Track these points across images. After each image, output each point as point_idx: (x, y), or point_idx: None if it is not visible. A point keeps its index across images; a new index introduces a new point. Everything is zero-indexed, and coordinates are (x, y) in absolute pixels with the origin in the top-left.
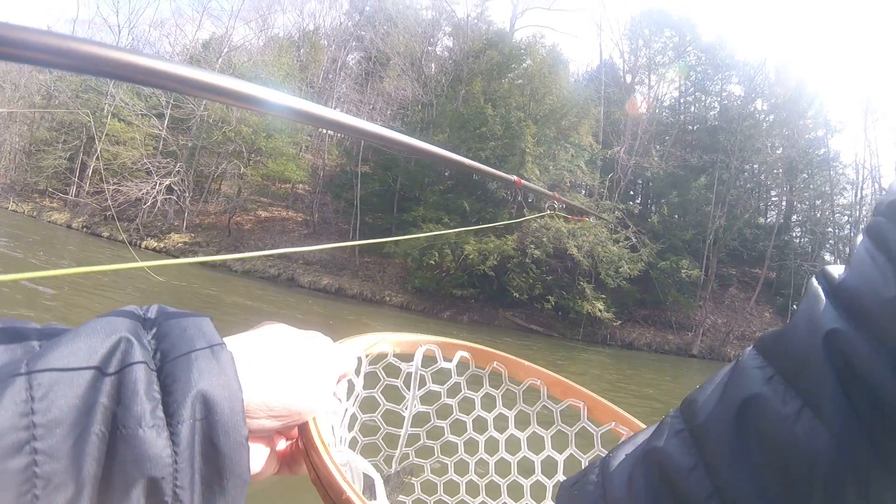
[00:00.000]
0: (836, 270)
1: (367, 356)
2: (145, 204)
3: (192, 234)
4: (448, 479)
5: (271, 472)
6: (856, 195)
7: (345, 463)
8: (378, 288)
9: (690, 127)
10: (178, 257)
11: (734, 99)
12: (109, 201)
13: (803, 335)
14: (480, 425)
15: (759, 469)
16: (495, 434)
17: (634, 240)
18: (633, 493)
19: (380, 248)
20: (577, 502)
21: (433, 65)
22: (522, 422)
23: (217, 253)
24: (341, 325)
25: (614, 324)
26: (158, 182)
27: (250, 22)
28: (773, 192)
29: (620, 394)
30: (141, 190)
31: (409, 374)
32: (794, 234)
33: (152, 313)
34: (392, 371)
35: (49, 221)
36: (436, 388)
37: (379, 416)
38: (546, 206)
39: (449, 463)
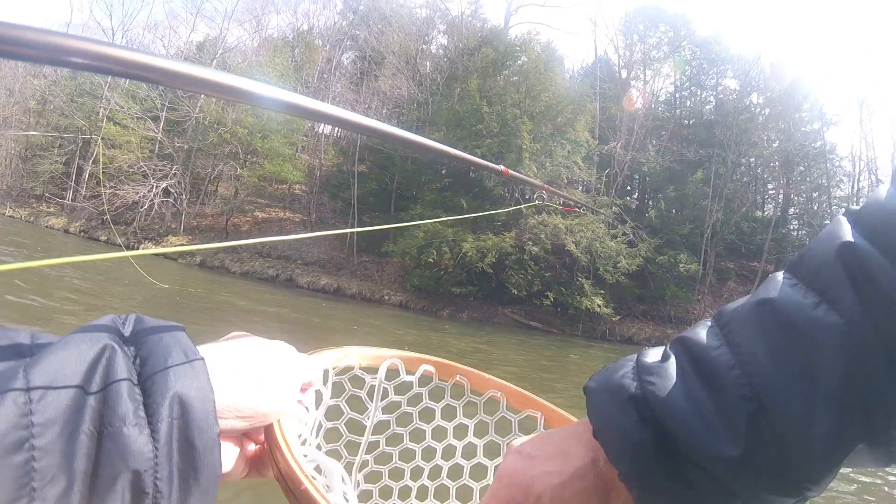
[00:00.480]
0: (861, 205)
1: (333, 368)
2: (142, 207)
3: (190, 237)
4: (403, 485)
5: (241, 472)
6: (852, 187)
7: (308, 459)
8: (377, 287)
9: (686, 121)
10: (175, 259)
11: (730, 93)
12: (106, 206)
13: (822, 245)
14: (439, 434)
15: (777, 349)
16: (453, 441)
17: (632, 235)
18: (665, 374)
19: (378, 248)
20: (616, 393)
21: (428, 63)
22: (481, 431)
23: (216, 255)
24: (338, 325)
25: (613, 319)
26: (155, 185)
27: (244, 23)
28: (769, 186)
29: None
30: (138, 193)
31: (372, 387)
32: (791, 227)
33: (130, 323)
34: (357, 383)
35: (46, 226)
36: (397, 398)
37: (342, 424)
38: (535, 196)
39: (406, 468)
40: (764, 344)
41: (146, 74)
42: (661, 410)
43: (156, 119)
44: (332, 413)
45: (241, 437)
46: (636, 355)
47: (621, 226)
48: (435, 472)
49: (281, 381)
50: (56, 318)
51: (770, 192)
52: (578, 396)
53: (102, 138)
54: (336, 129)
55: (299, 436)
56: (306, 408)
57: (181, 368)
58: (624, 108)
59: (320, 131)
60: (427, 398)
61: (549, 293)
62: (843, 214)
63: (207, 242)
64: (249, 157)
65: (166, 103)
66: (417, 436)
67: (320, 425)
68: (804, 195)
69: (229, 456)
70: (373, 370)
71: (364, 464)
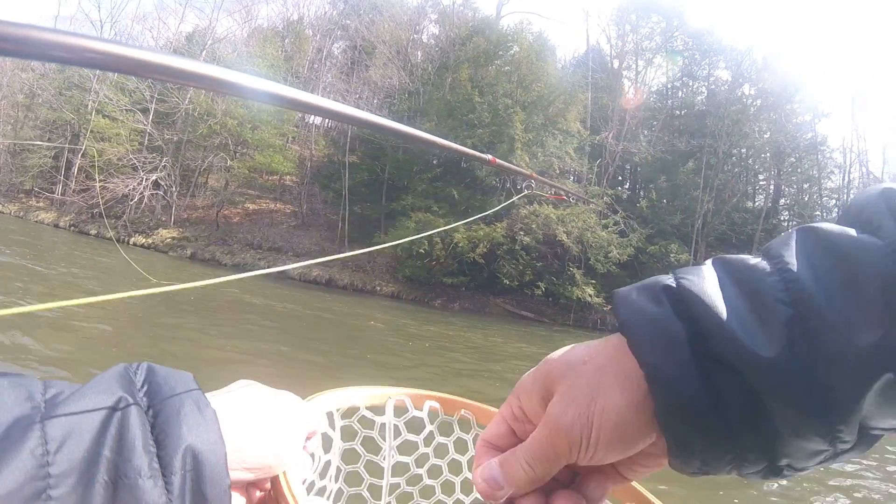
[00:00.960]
0: None
1: (338, 410)
2: (132, 200)
3: (180, 229)
4: None
5: None
6: (843, 179)
7: None
8: (368, 278)
9: (678, 112)
10: (166, 252)
11: (722, 84)
12: (98, 199)
13: (865, 193)
14: (455, 468)
15: (817, 265)
16: (469, 474)
17: (623, 225)
18: (701, 274)
19: (369, 239)
20: (648, 287)
21: (419, 53)
22: None
23: (206, 247)
24: (331, 318)
25: (604, 308)
26: (145, 177)
27: (234, 13)
28: (760, 177)
29: None
30: (127, 186)
31: (382, 425)
32: (782, 218)
33: (142, 372)
34: (367, 423)
35: (36, 221)
36: (412, 437)
37: (361, 468)
38: (524, 185)
39: None
40: (805, 258)
41: (127, 67)
42: (695, 304)
43: (145, 111)
44: (349, 457)
45: (248, 486)
46: (663, 285)
47: (613, 216)
48: None
49: (286, 432)
50: (45, 317)
51: (761, 182)
52: None
53: (92, 131)
54: (326, 119)
55: (304, 481)
56: (312, 454)
57: (193, 420)
58: (623, 106)
59: (311, 122)
60: (438, 434)
61: (540, 283)
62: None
63: (198, 234)
64: (239, 148)
65: (155, 95)
66: (434, 472)
67: (339, 470)
68: (795, 186)
69: None
70: (379, 409)
71: None
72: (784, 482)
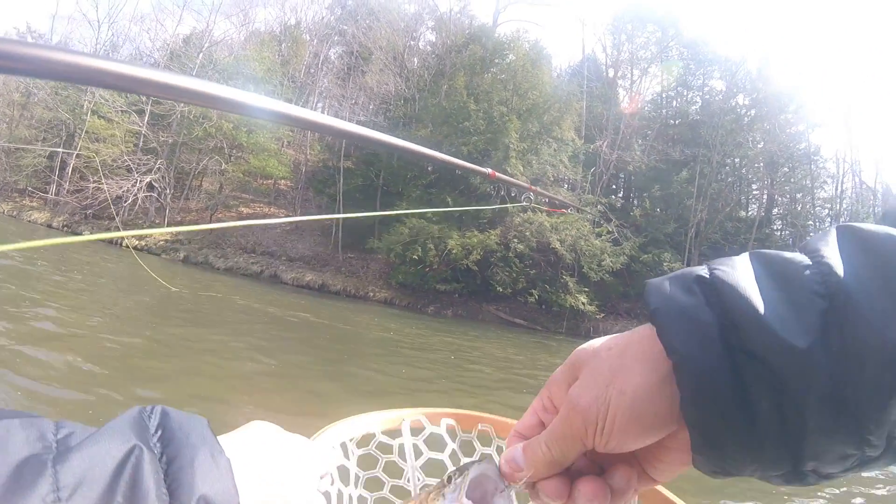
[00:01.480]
0: None
1: (352, 440)
2: (126, 201)
3: (174, 232)
4: None
5: None
6: (836, 189)
7: None
8: (361, 284)
9: (672, 121)
10: (159, 255)
11: (716, 94)
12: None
13: None
14: None
15: (857, 262)
16: None
17: (617, 233)
18: (735, 265)
19: (363, 244)
20: (681, 277)
21: (416, 59)
22: None
23: (199, 251)
24: (326, 322)
25: (597, 317)
26: (139, 179)
27: (231, 16)
28: (754, 186)
29: None
30: (121, 187)
31: (401, 446)
32: (775, 228)
33: (156, 416)
34: (384, 448)
35: (29, 221)
36: (435, 455)
37: (387, 492)
38: (522, 197)
39: None
40: (844, 254)
41: (113, 83)
42: (728, 294)
43: (141, 112)
44: (372, 485)
45: None
46: (696, 276)
47: (606, 224)
48: None
49: (298, 477)
50: (39, 313)
51: (754, 192)
52: None
53: (87, 132)
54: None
55: None
56: (326, 492)
57: (207, 469)
58: (622, 110)
59: None
60: (462, 454)
61: (533, 290)
62: None
63: (191, 237)
64: (234, 151)
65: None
66: None
67: (363, 499)
68: (788, 196)
69: None
70: (395, 432)
71: None
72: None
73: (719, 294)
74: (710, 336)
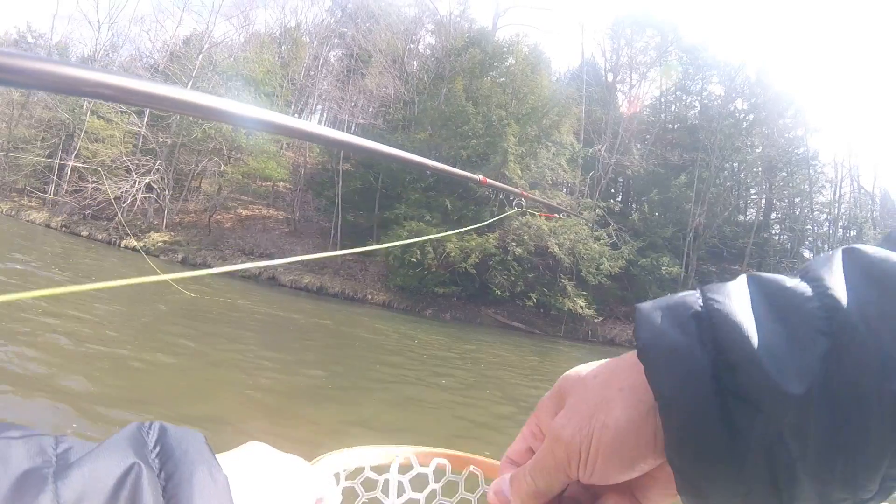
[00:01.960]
0: None
1: (344, 471)
2: (125, 202)
3: (172, 233)
4: None
5: None
6: (834, 193)
7: None
8: (360, 286)
9: (671, 126)
10: (157, 256)
11: (714, 98)
12: (91, 199)
13: None
14: None
15: (862, 294)
16: None
17: (615, 237)
18: (734, 296)
19: (361, 246)
20: (675, 308)
21: (415, 62)
22: None
23: (198, 252)
24: (328, 325)
25: (595, 320)
26: (138, 180)
27: (231, 18)
28: (752, 190)
29: None
30: (120, 188)
31: (386, 482)
32: (773, 232)
33: (154, 432)
34: (369, 484)
35: (28, 221)
36: (415, 495)
37: None
38: (514, 202)
39: None
40: (849, 285)
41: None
42: (723, 332)
43: (140, 113)
44: None
45: None
46: (700, 293)
47: (604, 228)
48: None
49: (294, 499)
50: (37, 317)
51: (753, 196)
52: None
53: (86, 132)
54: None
55: None
56: None
57: (205, 486)
58: (625, 113)
59: None
60: (441, 495)
61: (532, 294)
62: None
63: (189, 239)
64: (233, 153)
65: None
66: None
67: None
68: (786, 200)
69: None
70: (384, 468)
71: None
72: None
73: (714, 329)
74: (701, 379)
